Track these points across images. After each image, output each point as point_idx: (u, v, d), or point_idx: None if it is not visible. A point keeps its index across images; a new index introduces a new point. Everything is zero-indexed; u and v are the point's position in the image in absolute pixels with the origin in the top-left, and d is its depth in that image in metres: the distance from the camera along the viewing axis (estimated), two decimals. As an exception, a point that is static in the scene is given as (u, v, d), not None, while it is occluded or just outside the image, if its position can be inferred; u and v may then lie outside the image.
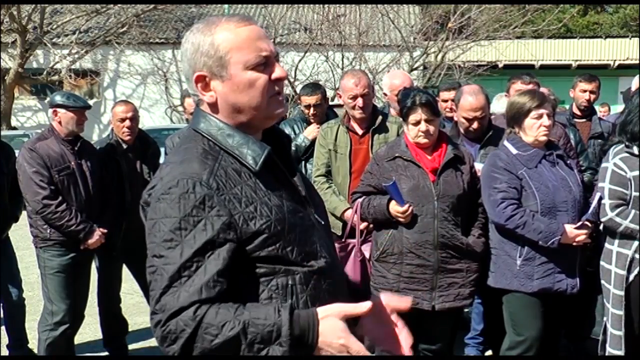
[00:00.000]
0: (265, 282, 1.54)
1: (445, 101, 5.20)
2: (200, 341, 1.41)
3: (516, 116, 3.52)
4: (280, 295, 1.54)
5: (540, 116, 3.46)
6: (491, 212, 3.49)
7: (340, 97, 4.27)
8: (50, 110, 4.21)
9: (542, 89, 4.31)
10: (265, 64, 1.60)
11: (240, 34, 1.59)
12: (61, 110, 4.17)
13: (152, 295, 1.47)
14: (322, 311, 1.49)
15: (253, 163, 1.57)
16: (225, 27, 1.59)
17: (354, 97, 4.09)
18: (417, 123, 3.46)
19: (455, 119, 4.11)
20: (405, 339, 1.74)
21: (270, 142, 1.67)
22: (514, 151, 3.50)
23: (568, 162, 3.61)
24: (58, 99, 4.21)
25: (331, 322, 1.47)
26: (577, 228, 3.39)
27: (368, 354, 1.48)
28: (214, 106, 1.63)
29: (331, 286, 1.63)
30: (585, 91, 5.48)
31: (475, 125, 3.95)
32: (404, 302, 1.79)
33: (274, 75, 1.60)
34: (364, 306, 1.52)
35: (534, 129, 3.46)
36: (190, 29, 1.65)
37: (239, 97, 1.60)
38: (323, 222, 1.71)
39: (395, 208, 3.44)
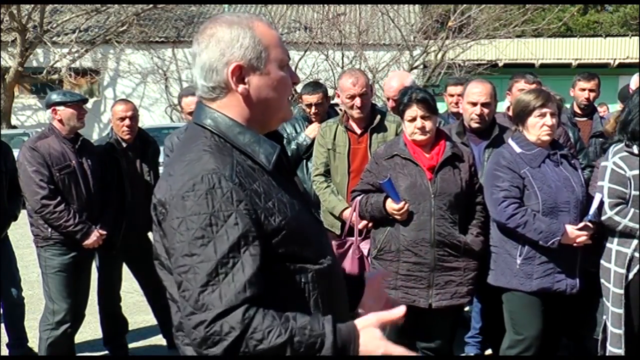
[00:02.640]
0: (283, 280, 1.54)
1: (452, 96, 5.20)
2: (244, 345, 1.40)
3: (520, 114, 3.52)
4: (297, 293, 1.56)
5: (543, 115, 3.45)
6: (492, 211, 3.50)
7: (339, 96, 4.27)
8: (49, 110, 4.20)
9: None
10: (287, 66, 1.66)
11: (272, 33, 1.64)
12: (60, 108, 4.17)
13: (187, 295, 1.43)
14: (360, 322, 1.52)
15: (266, 162, 1.58)
16: (261, 24, 1.63)
17: (352, 97, 4.09)
18: (413, 119, 3.47)
19: (461, 111, 4.11)
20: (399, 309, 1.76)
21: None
22: (518, 150, 3.50)
23: (572, 161, 3.60)
24: (54, 97, 4.21)
25: (370, 332, 1.50)
26: (578, 229, 3.39)
27: (407, 353, 1.53)
28: (246, 98, 1.61)
29: (335, 284, 1.65)
30: (584, 90, 5.47)
31: (478, 110, 3.92)
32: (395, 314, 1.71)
33: (295, 79, 1.66)
34: (398, 312, 1.55)
35: (537, 127, 3.46)
36: (216, 23, 1.62)
37: (272, 93, 1.62)
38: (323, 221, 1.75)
39: (391, 205, 3.45)
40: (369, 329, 1.50)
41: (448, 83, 5.65)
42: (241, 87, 1.60)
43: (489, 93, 3.94)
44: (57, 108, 4.17)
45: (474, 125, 3.97)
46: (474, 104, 3.93)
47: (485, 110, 3.94)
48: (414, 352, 1.53)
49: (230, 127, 1.59)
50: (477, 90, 3.94)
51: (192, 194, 1.46)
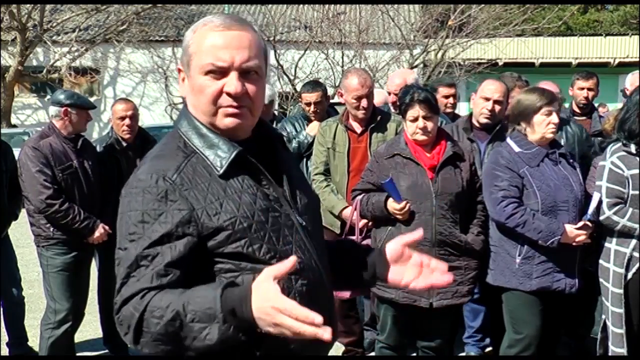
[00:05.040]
0: (231, 278, 1.53)
1: (446, 97, 5.20)
2: (147, 326, 1.44)
3: (525, 112, 3.50)
4: None
5: (549, 113, 3.47)
6: (492, 210, 3.50)
7: (342, 95, 4.28)
8: (59, 110, 4.17)
9: (551, 87, 4.38)
10: (223, 73, 1.58)
11: (210, 39, 1.59)
12: (73, 110, 4.18)
13: (116, 286, 1.54)
14: (257, 278, 1.40)
15: (219, 166, 1.58)
16: (205, 29, 1.61)
17: (359, 98, 4.11)
18: (415, 119, 3.47)
19: (471, 106, 4.17)
20: (437, 266, 1.71)
21: (260, 140, 1.69)
22: (517, 149, 3.50)
23: (570, 160, 3.61)
24: (64, 98, 4.19)
25: (262, 287, 1.37)
26: (577, 228, 3.39)
27: (299, 310, 1.32)
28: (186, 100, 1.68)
29: (306, 287, 1.60)
30: (582, 89, 5.47)
31: (490, 106, 3.99)
32: (414, 234, 1.76)
33: (225, 88, 1.58)
34: (287, 262, 1.39)
35: (543, 125, 3.47)
36: None
37: (193, 98, 1.64)
38: (304, 224, 1.67)
39: (392, 205, 3.45)
40: (260, 285, 1.37)
41: (439, 83, 5.52)
42: (182, 89, 1.68)
43: (503, 92, 4.05)
44: (70, 110, 4.17)
45: (483, 120, 4.01)
46: (487, 99, 4.01)
47: (497, 107, 4.00)
48: (299, 307, 1.33)
49: (196, 130, 1.63)
50: (492, 87, 4.05)
51: (132, 191, 1.55)
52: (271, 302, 1.34)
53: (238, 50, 1.58)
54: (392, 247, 1.76)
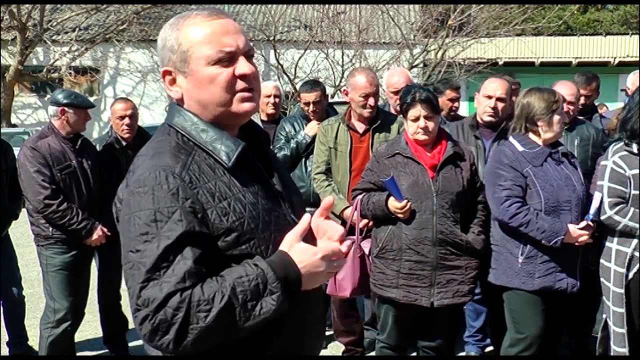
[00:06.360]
0: None
1: (452, 100, 5.19)
2: (195, 321, 1.39)
3: (544, 113, 3.46)
4: None
5: (561, 112, 3.50)
6: (495, 210, 3.49)
7: (347, 94, 4.27)
8: (57, 109, 4.17)
9: (570, 87, 4.50)
10: (231, 59, 1.57)
11: (205, 28, 1.57)
12: (69, 110, 4.17)
13: (131, 292, 1.44)
14: (284, 245, 1.53)
15: (226, 159, 1.55)
16: (191, 22, 1.58)
17: (367, 96, 4.12)
18: (416, 119, 3.47)
19: (475, 105, 4.17)
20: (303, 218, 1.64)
21: (248, 139, 1.66)
22: (520, 148, 3.49)
23: (572, 160, 3.60)
24: (62, 97, 4.18)
25: (297, 248, 1.51)
26: (580, 229, 3.39)
27: (342, 247, 1.55)
28: (181, 102, 1.63)
29: None
30: (581, 96, 5.33)
31: (492, 103, 4.00)
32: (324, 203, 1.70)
33: (237, 71, 1.56)
34: (305, 219, 1.56)
35: (560, 124, 3.48)
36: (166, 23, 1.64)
37: (201, 93, 1.58)
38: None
39: (393, 204, 3.44)
40: (295, 246, 1.51)
41: (448, 87, 5.46)
42: (173, 91, 1.62)
43: (505, 89, 4.06)
44: (67, 109, 4.17)
45: (487, 118, 4.03)
46: (490, 97, 4.01)
47: (500, 105, 4.00)
48: (336, 244, 1.56)
49: (194, 125, 1.59)
50: (494, 85, 4.06)
51: (140, 190, 1.48)
52: (320, 254, 1.51)
53: (237, 35, 1.59)
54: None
